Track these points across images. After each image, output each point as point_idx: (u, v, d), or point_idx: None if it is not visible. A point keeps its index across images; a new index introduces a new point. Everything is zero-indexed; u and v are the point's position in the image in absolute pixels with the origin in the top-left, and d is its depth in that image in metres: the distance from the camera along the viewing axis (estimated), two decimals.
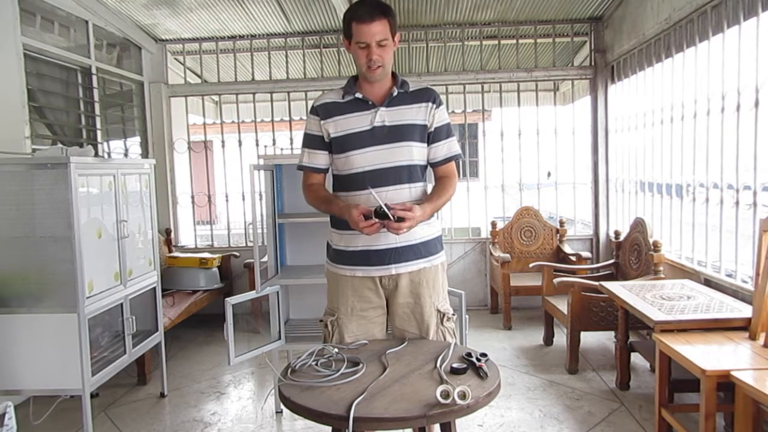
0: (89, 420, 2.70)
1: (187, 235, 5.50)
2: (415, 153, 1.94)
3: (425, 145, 1.97)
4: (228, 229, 5.44)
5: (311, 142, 1.99)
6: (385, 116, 1.92)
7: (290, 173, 3.28)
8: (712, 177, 3.31)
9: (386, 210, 1.72)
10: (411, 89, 1.96)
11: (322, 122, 1.95)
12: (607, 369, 3.61)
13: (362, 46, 1.84)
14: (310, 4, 4.51)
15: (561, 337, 4.01)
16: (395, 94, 1.93)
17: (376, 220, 1.74)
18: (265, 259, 3.11)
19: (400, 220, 1.74)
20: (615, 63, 4.81)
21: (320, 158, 1.99)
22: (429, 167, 2.04)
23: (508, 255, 4.62)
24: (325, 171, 2.03)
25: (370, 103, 1.93)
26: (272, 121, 5.29)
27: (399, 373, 1.67)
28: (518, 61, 5.18)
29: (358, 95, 1.93)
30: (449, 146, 2.00)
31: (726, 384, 2.15)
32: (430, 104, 1.96)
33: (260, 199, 3.19)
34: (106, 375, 2.86)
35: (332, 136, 1.94)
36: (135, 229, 3.22)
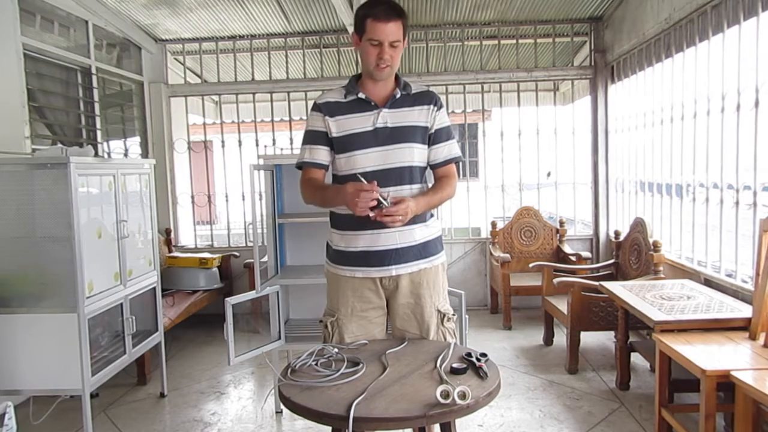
0: (89, 420, 2.70)
1: (187, 235, 5.50)
2: (416, 154, 1.94)
3: (426, 146, 1.97)
4: (228, 229, 5.44)
5: (314, 138, 1.97)
6: (388, 117, 1.92)
7: (290, 173, 3.28)
8: (712, 177, 3.31)
9: (380, 197, 1.71)
10: (413, 91, 1.97)
11: (326, 118, 1.94)
12: (607, 369, 3.61)
13: (375, 43, 1.84)
14: (310, 4, 4.51)
15: (561, 337, 4.01)
16: (398, 95, 1.93)
17: (375, 190, 1.71)
18: (265, 259, 3.11)
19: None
20: (615, 63, 4.81)
21: (322, 154, 1.97)
22: (429, 169, 2.04)
23: (508, 255, 4.62)
24: (326, 168, 2.00)
25: (373, 104, 1.92)
26: (272, 121, 5.29)
27: (399, 373, 1.67)
28: (518, 61, 5.18)
29: (361, 96, 1.93)
30: (449, 148, 2.00)
31: (726, 384, 2.15)
32: (431, 107, 1.96)
33: (260, 199, 3.19)
34: (106, 375, 2.86)
35: (334, 135, 1.94)
36: (135, 229, 3.22)
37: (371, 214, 1.73)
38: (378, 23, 1.81)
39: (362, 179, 1.76)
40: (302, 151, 2.00)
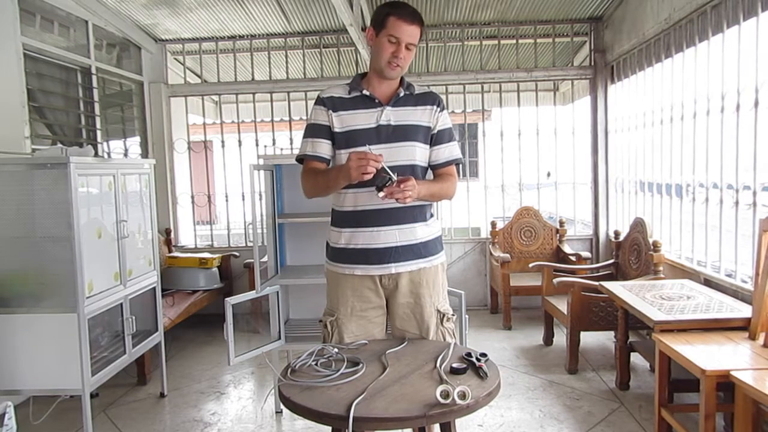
0: (89, 420, 2.70)
1: (186, 235, 5.50)
2: (417, 153, 1.94)
3: (428, 146, 1.98)
4: (228, 229, 5.44)
5: (316, 131, 1.96)
6: (391, 116, 1.92)
7: (290, 173, 3.28)
8: (712, 177, 3.31)
9: (388, 172, 1.71)
10: (416, 92, 1.98)
11: (330, 112, 1.94)
12: (607, 369, 3.61)
13: (393, 41, 1.86)
14: (310, 4, 4.51)
15: (561, 337, 4.01)
16: (401, 94, 1.94)
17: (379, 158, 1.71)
18: (265, 259, 3.11)
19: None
20: (615, 63, 4.81)
21: (324, 147, 1.96)
22: (429, 170, 2.04)
23: (508, 255, 4.62)
24: (328, 162, 1.99)
25: (377, 101, 1.93)
26: (272, 121, 5.29)
27: (399, 373, 1.67)
28: (518, 61, 5.18)
29: (366, 92, 1.93)
30: (451, 150, 2.01)
31: (726, 384, 2.15)
32: (434, 107, 1.97)
33: (260, 199, 3.19)
34: (106, 375, 2.86)
35: (336, 130, 1.94)
36: (135, 229, 3.22)
37: (381, 194, 1.72)
38: (402, 22, 1.84)
39: (370, 150, 1.75)
40: (304, 144, 1.99)
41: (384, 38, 1.86)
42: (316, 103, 1.98)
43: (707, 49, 3.34)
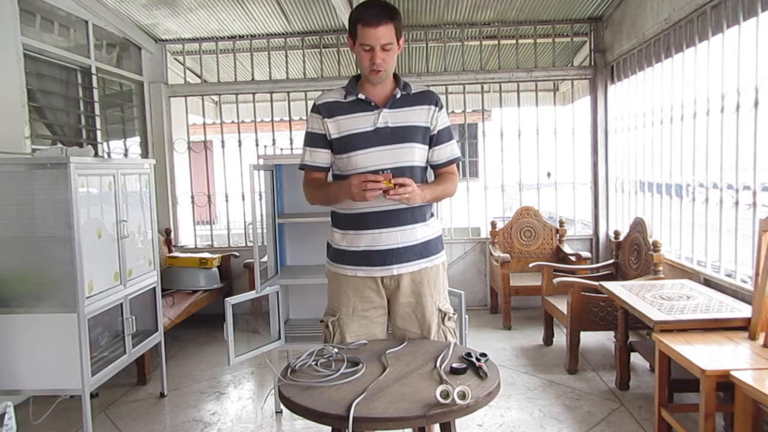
0: (89, 420, 2.70)
1: (186, 235, 5.50)
2: (416, 154, 1.94)
3: (427, 147, 1.98)
4: (228, 229, 5.44)
5: (314, 140, 1.98)
6: (388, 118, 1.92)
7: (290, 173, 3.28)
8: (712, 177, 3.31)
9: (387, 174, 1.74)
10: (413, 91, 1.97)
11: (324, 120, 1.95)
12: (606, 369, 3.61)
13: (366, 48, 1.84)
14: (310, 4, 4.51)
15: (561, 337, 4.01)
16: (398, 96, 1.94)
17: (381, 179, 1.73)
18: (265, 259, 3.11)
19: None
20: (615, 63, 4.81)
21: (322, 156, 1.98)
22: (430, 169, 2.05)
23: (507, 255, 4.62)
24: (327, 170, 2.02)
25: (373, 104, 1.93)
26: (272, 121, 5.29)
27: (399, 373, 1.67)
28: (518, 61, 5.18)
29: (361, 96, 1.93)
30: (451, 149, 2.01)
31: (726, 384, 2.16)
32: (432, 107, 1.97)
33: (260, 199, 3.19)
34: (105, 375, 2.86)
35: (334, 136, 1.94)
36: (135, 229, 3.22)
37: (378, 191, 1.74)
38: (368, 28, 1.81)
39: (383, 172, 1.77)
40: (304, 153, 2.01)
41: (359, 47, 1.86)
42: (311, 110, 1.99)
43: (707, 49, 3.34)
